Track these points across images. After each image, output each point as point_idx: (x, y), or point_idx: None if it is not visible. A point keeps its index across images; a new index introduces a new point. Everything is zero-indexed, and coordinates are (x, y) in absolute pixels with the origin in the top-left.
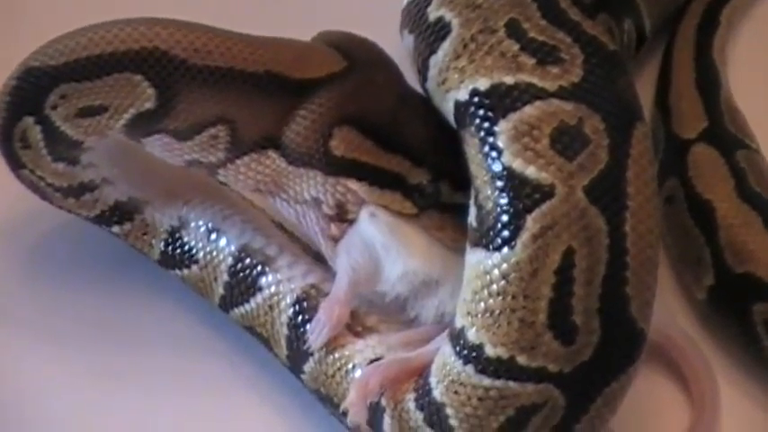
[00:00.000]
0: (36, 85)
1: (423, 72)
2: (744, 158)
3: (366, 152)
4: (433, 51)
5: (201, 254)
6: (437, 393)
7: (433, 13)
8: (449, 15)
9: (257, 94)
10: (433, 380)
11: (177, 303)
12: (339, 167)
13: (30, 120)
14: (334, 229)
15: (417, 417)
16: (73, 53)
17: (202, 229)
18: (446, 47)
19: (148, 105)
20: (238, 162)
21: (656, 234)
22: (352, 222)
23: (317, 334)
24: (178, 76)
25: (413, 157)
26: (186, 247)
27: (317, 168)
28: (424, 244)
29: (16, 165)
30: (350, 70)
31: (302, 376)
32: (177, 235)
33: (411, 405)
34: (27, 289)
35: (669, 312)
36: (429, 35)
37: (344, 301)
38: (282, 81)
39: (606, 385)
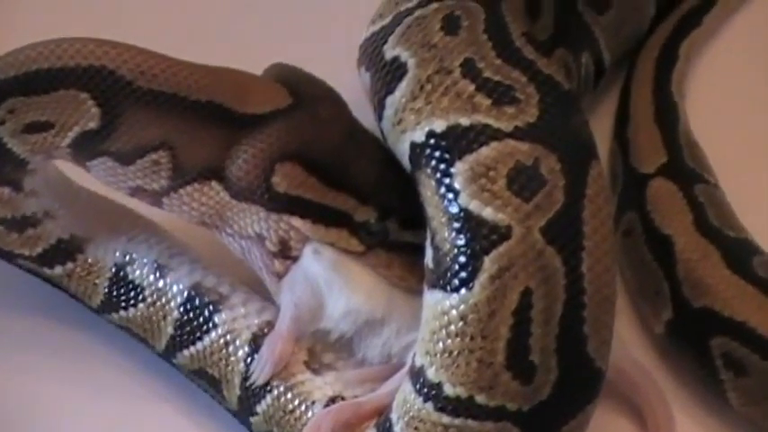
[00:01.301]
0: None
1: (378, 111)
2: (702, 193)
3: (310, 189)
4: (390, 92)
5: (149, 291)
6: (398, 429)
7: (389, 51)
8: (405, 55)
9: (199, 123)
10: (393, 416)
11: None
12: (282, 204)
13: None
14: (277, 265)
15: None
16: (22, 66)
17: (149, 265)
18: (403, 87)
19: (92, 125)
20: (181, 191)
21: (613, 273)
22: (295, 259)
23: (259, 370)
24: (122, 97)
25: (359, 194)
26: (132, 285)
27: (259, 204)
28: (369, 282)
29: None
30: (295, 107)
31: (253, 419)
32: (123, 273)
33: None
34: None
35: (622, 344)
36: (385, 74)
37: (287, 338)
38: (224, 113)
39: (564, 423)
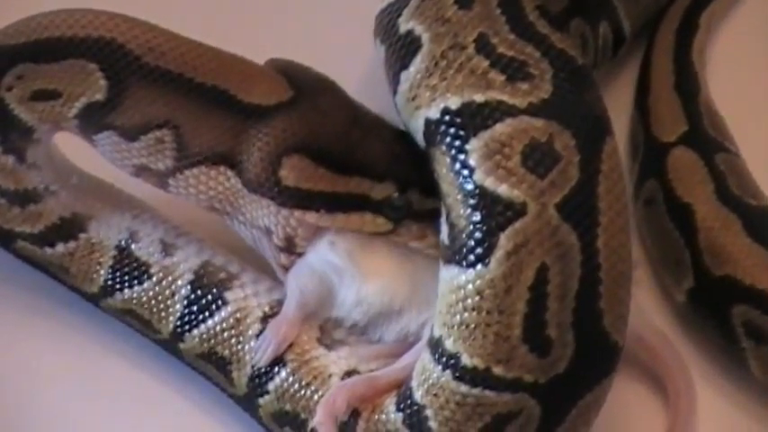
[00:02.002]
0: None
1: (393, 85)
2: (723, 162)
3: (320, 180)
4: (405, 66)
5: (156, 268)
6: (418, 396)
7: (403, 24)
8: (419, 29)
9: (203, 106)
10: (414, 383)
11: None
12: (291, 198)
13: None
14: (283, 259)
15: (396, 419)
16: (33, 33)
17: (155, 243)
18: (417, 63)
19: (99, 96)
20: (187, 173)
21: (629, 248)
22: (300, 255)
23: (262, 351)
24: (130, 71)
25: (373, 174)
26: (138, 262)
27: (269, 197)
28: (387, 272)
29: None
30: (296, 99)
31: (262, 399)
32: (128, 250)
33: (391, 408)
34: None
35: (642, 313)
36: (400, 48)
37: (291, 321)
38: (229, 99)
39: (580, 397)
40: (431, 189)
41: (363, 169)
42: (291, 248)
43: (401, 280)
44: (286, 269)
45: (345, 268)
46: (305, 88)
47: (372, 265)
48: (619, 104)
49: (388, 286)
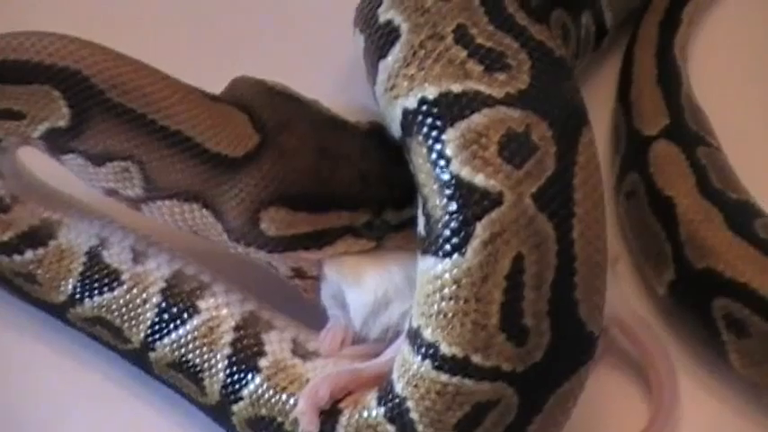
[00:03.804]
0: None
1: (372, 74)
2: (705, 155)
3: (301, 223)
4: (383, 56)
5: (127, 275)
6: (399, 388)
7: (383, 14)
8: (398, 19)
9: (166, 149)
10: (394, 375)
11: None
12: (278, 245)
13: None
14: (299, 282)
15: (378, 413)
16: (2, 53)
17: (126, 251)
18: (396, 52)
19: (62, 123)
20: (159, 203)
21: (604, 239)
22: (314, 277)
23: (326, 348)
24: (93, 104)
25: (347, 205)
26: (109, 269)
27: (256, 248)
28: (372, 272)
29: None
30: (262, 146)
31: (236, 406)
32: (98, 257)
33: (373, 404)
34: None
35: (624, 301)
36: (379, 38)
37: (343, 330)
38: (194, 146)
39: (558, 386)
40: (404, 200)
41: (338, 202)
42: (302, 275)
43: (386, 275)
44: (306, 292)
45: (339, 282)
46: (269, 127)
47: (358, 269)
48: (601, 97)
49: (376, 284)
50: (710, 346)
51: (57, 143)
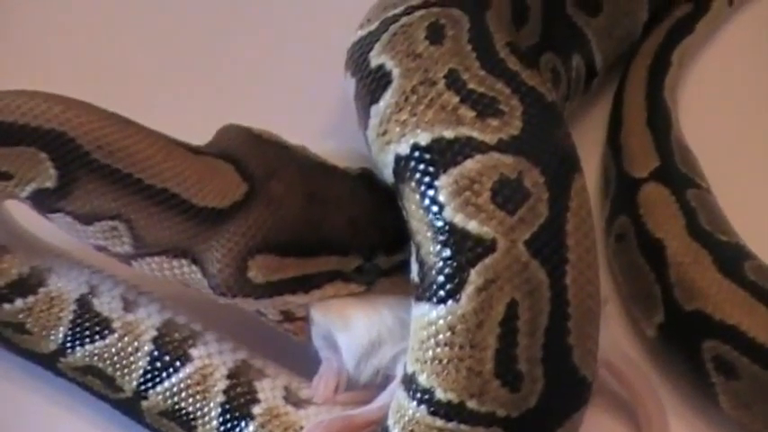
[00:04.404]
0: None
1: (363, 119)
2: (694, 197)
3: (289, 268)
4: (375, 101)
5: (118, 323)
6: None
7: (374, 59)
8: (390, 64)
9: (154, 207)
10: (390, 422)
11: None
12: (266, 291)
13: None
14: (288, 326)
15: None
16: None
17: (117, 300)
18: (387, 97)
19: (49, 184)
20: (149, 260)
21: (597, 285)
22: (302, 318)
23: (323, 388)
24: (79, 165)
25: (337, 250)
26: (99, 317)
27: (243, 296)
28: (362, 314)
29: None
30: (250, 194)
31: None
32: (88, 305)
33: None
34: None
35: (614, 343)
36: (371, 82)
37: (337, 373)
38: (181, 203)
39: (552, 431)
40: (395, 245)
41: (328, 247)
42: (290, 317)
43: (376, 317)
44: (296, 334)
45: (328, 325)
46: (256, 176)
47: (345, 313)
48: (591, 140)
49: (368, 328)
50: (700, 387)
51: (44, 203)
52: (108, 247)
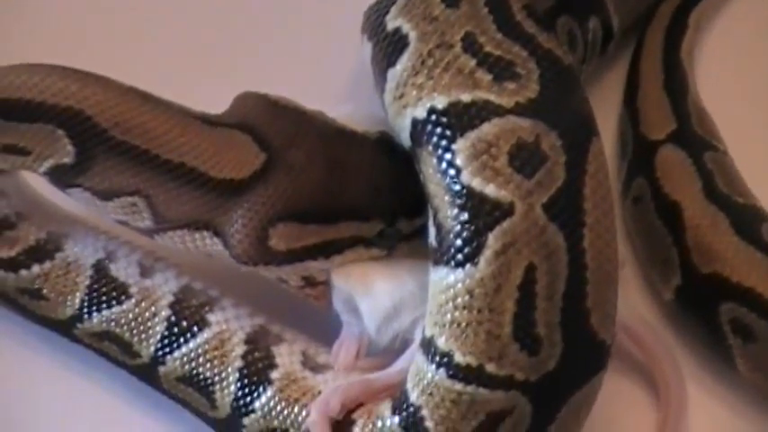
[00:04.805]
0: None
1: (380, 83)
2: (711, 160)
3: (311, 235)
4: (391, 64)
5: (135, 289)
6: (413, 397)
7: (391, 22)
8: (406, 27)
9: (172, 181)
10: (409, 385)
11: None
12: (287, 259)
13: None
14: (309, 291)
15: (393, 422)
16: (6, 90)
17: (133, 265)
18: (404, 61)
19: (66, 160)
20: (171, 233)
21: (615, 248)
22: (324, 282)
23: (344, 355)
24: (97, 142)
25: (359, 215)
26: (116, 283)
27: (264, 264)
28: (384, 278)
29: None
30: (269, 164)
31: (247, 419)
32: (105, 270)
33: (387, 413)
34: None
35: (633, 310)
36: (387, 46)
37: (358, 340)
38: (199, 176)
39: (571, 395)
40: (416, 209)
41: (350, 213)
42: (312, 282)
43: (397, 283)
44: (317, 299)
45: (350, 289)
46: (275, 144)
47: (366, 278)
48: (607, 103)
49: (390, 291)
50: (717, 350)
51: (62, 179)
52: (129, 223)
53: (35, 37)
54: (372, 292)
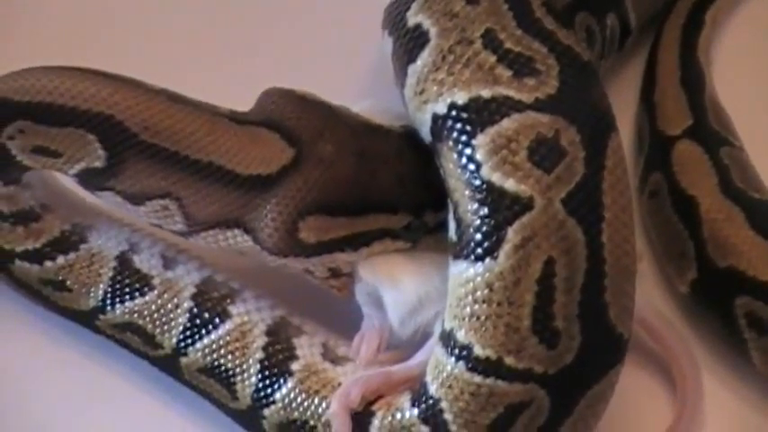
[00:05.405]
0: None
1: (401, 78)
2: (727, 155)
3: (340, 227)
4: (412, 60)
5: (158, 280)
6: (432, 389)
7: (412, 18)
8: (427, 23)
9: (201, 181)
10: (428, 378)
11: None
12: (316, 250)
13: None
14: (333, 282)
15: (412, 414)
16: (37, 95)
17: (156, 257)
18: (425, 57)
19: (98, 164)
20: (203, 234)
21: (632, 243)
22: (348, 274)
23: (361, 353)
24: (127, 146)
25: (387, 208)
26: (139, 274)
27: (293, 256)
28: (410, 272)
29: None
30: (298, 158)
31: (268, 410)
32: (128, 261)
33: (406, 405)
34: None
35: (650, 304)
36: (408, 41)
37: (379, 332)
38: (227, 174)
39: (588, 388)
40: (442, 202)
41: (378, 206)
42: (337, 273)
43: (423, 276)
44: (340, 291)
45: (375, 282)
46: (304, 138)
47: (393, 271)
48: (625, 98)
49: (416, 284)
50: (732, 344)
51: (93, 181)
52: (163, 226)
53: (38, 37)
54: (399, 286)
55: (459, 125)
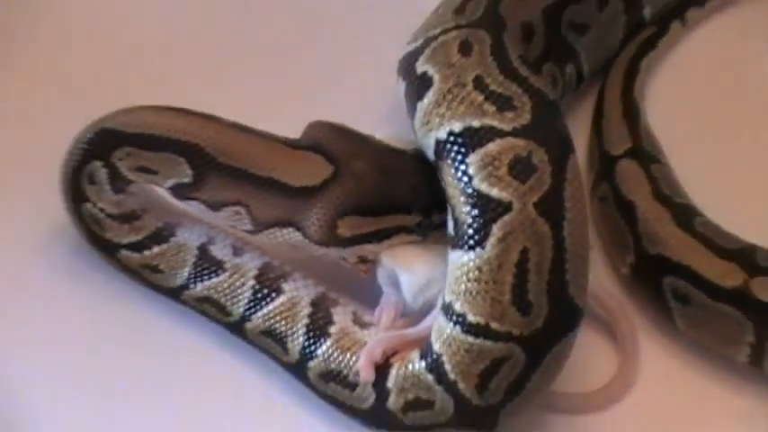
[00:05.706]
0: (108, 142)
1: (411, 112)
2: (657, 170)
3: (368, 225)
4: (420, 98)
5: (229, 264)
6: (436, 347)
7: (420, 67)
8: (431, 70)
9: (263, 192)
10: (433, 338)
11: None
12: (350, 242)
13: (98, 164)
14: (362, 266)
15: (420, 366)
16: (141, 127)
17: (227, 247)
18: (430, 96)
19: (186, 180)
20: (266, 232)
21: (587, 236)
22: (372, 261)
23: (385, 317)
24: (208, 167)
25: (403, 210)
26: (215, 260)
27: (333, 246)
28: (421, 257)
29: (80, 199)
30: (337, 172)
31: (312, 362)
32: (206, 251)
33: (416, 359)
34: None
35: (599, 281)
36: (417, 85)
37: (394, 307)
38: (282, 186)
39: (553, 346)
40: (444, 206)
41: (396, 208)
42: (364, 260)
43: (431, 263)
44: (365, 273)
45: (393, 267)
46: (340, 158)
47: (408, 258)
48: (580, 126)
49: (426, 268)
50: (662, 312)
51: (182, 193)
52: (236, 227)
53: (38, 39)
54: (412, 270)
55: (455, 148)
